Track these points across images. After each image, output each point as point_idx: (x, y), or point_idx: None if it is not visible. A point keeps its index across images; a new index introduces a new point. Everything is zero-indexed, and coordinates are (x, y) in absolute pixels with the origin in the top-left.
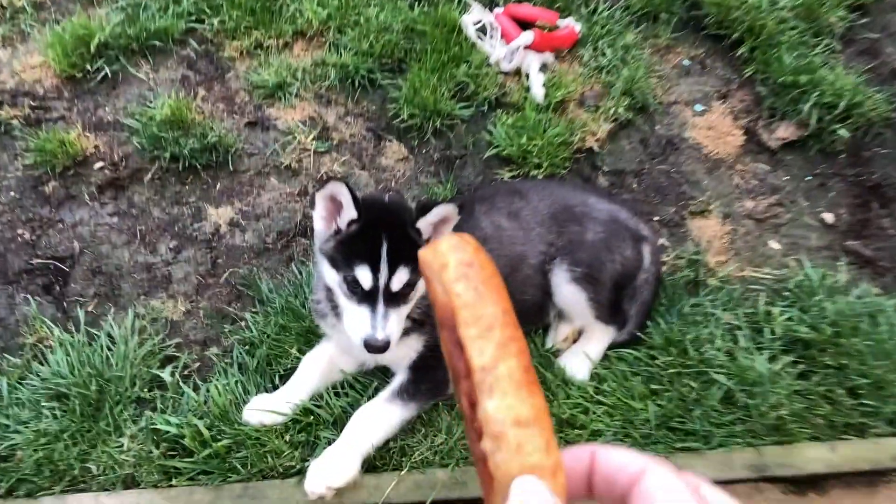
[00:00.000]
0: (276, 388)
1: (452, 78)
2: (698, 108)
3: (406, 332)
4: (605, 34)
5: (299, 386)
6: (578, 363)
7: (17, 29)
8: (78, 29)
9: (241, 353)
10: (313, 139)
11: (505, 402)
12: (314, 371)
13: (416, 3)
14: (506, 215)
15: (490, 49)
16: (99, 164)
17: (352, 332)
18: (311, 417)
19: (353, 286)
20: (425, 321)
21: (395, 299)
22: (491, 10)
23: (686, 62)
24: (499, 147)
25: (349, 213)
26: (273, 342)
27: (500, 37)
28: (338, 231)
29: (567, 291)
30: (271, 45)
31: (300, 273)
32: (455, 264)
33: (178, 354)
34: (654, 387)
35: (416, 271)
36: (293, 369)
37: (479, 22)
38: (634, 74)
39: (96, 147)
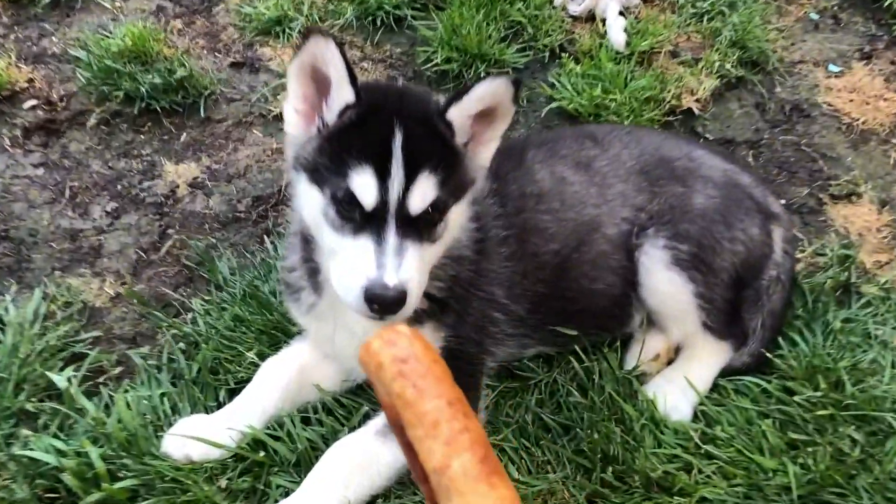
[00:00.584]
0: (220, 406)
1: (504, 17)
2: (833, 68)
3: (417, 318)
4: None
5: (251, 405)
6: (676, 395)
7: None
8: None
9: (177, 355)
10: None
11: (462, 500)
12: (275, 385)
13: None
14: (572, 166)
15: None
16: (30, 103)
17: (344, 281)
18: (263, 454)
19: (346, 207)
20: (449, 303)
21: (414, 228)
22: None
23: (813, 16)
24: (564, 100)
25: (342, 93)
26: (223, 341)
27: None
28: (323, 128)
29: (663, 281)
30: None
31: (275, 249)
32: (389, 362)
33: (89, 352)
34: (794, 436)
35: (448, 187)
36: (247, 381)
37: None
38: (747, 21)
39: (31, 81)
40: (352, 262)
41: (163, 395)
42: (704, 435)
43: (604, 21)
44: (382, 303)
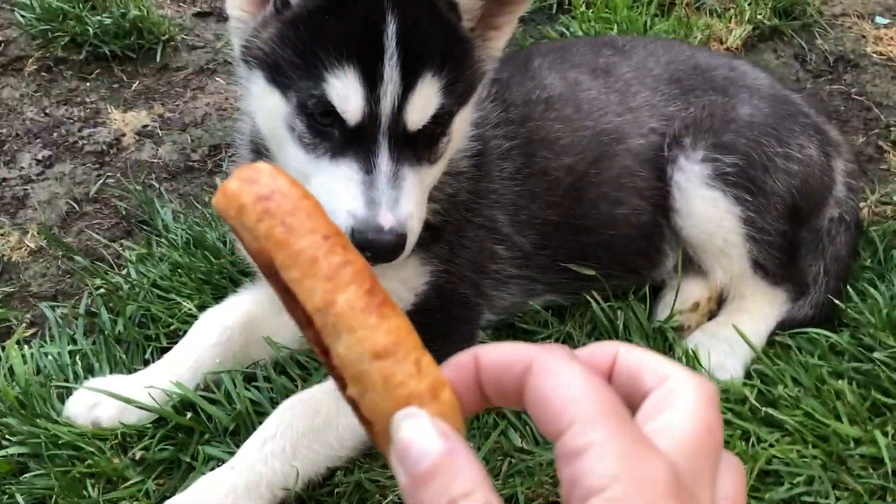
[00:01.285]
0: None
1: None
2: (881, 20)
3: None
4: None
5: (181, 361)
6: (724, 350)
7: None
8: None
9: (98, 308)
10: None
11: (354, 337)
12: (213, 336)
13: None
14: (588, 72)
15: None
16: None
17: (326, 208)
18: (191, 417)
19: (322, 120)
20: (442, 230)
21: (412, 147)
22: None
23: None
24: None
25: None
26: (157, 291)
27: None
28: (283, 8)
29: (702, 201)
30: None
31: None
32: (252, 202)
33: None
34: (881, 398)
35: (454, 90)
36: (181, 339)
37: None
38: None
39: None
40: (332, 195)
41: (75, 353)
42: (762, 396)
43: None
44: (378, 250)
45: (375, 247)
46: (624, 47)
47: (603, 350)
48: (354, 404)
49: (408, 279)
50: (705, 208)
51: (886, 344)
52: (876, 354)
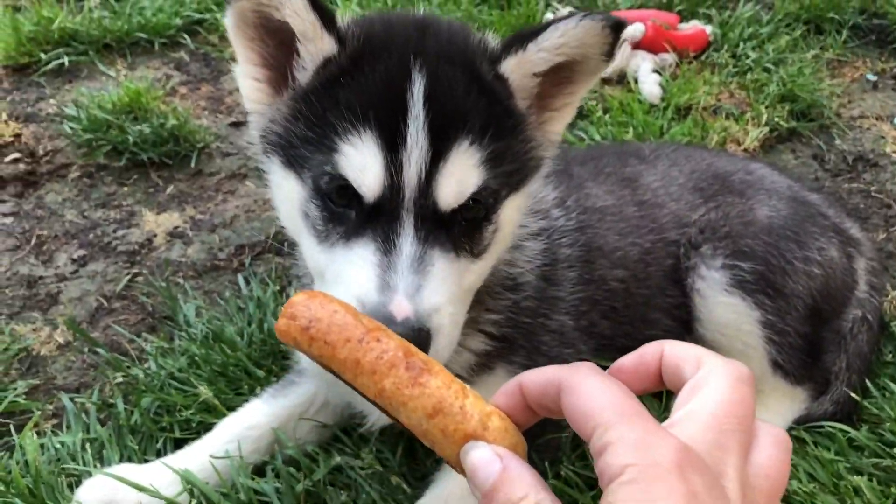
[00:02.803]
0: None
1: None
2: None
3: (485, 362)
4: (748, 38)
5: (196, 454)
6: None
7: None
8: (41, 17)
9: (115, 399)
10: None
11: (408, 409)
12: (233, 434)
13: (481, 2)
14: (616, 183)
15: None
16: (13, 156)
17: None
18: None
19: (337, 201)
20: (515, 339)
21: (445, 231)
22: None
23: (871, 76)
24: (594, 143)
25: (315, 44)
26: (174, 383)
27: None
28: (294, 93)
29: (722, 308)
30: None
31: (248, 284)
32: (299, 335)
33: (18, 400)
34: None
35: (501, 169)
36: (196, 431)
37: None
38: (796, 75)
39: (17, 136)
40: (341, 284)
41: (86, 441)
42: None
43: (636, 80)
44: None
45: None
46: (649, 156)
47: (651, 349)
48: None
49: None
50: (725, 314)
51: None
52: None
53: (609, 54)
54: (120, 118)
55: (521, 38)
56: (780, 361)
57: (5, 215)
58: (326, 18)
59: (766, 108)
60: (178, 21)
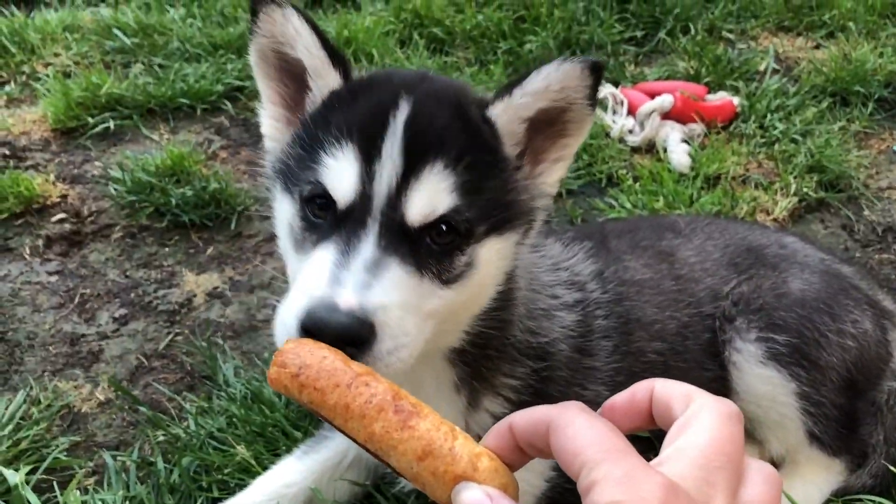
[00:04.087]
0: None
1: None
2: None
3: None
4: (775, 109)
5: (242, 502)
6: None
7: (30, 90)
8: (89, 83)
9: (155, 457)
10: None
11: (397, 452)
12: (269, 492)
13: (513, 73)
14: (654, 256)
15: (612, 123)
16: (59, 216)
17: (281, 315)
18: None
19: (316, 209)
20: (543, 396)
21: (412, 247)
22: (616, 86)
23: None
24: (624, 210)
25: (323, 79)
26: (213, 442)
27: (625, 112)
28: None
29: (758, 379)
30: None
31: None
32: (289, 382)
33: (60, 457)
34: None
35: (479, 201)
36: (238, 488)
37: (598, 94)
38: (823, 146)
39: (63, 197)
40: (300, 284)
41: (128, 499)
42: None
43: (665, 150)
44: (331, 333)
45: (327, 329)
46: (684, 229)
47: (642, 387)
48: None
49: (536, 468)
50: (761, 386)
51: None
52: None
53: (592, 98)
54: (163, 181)
55: (507, 86)
56: (817, 432)
57: (50, 274)
58: (335, 56)
59: (795, 178)
60: (219, 87)
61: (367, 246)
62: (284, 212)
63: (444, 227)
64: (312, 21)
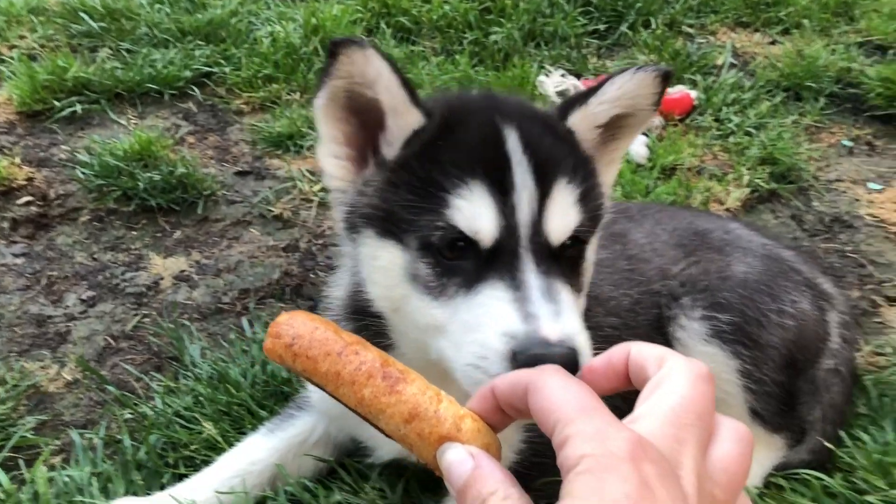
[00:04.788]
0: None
1: None
2: (874, 186)
3: None
4: (731, 103)
5: (200, 486)
6: None
7: None
8: (55, 66)
9: (122, 435)
10: (321, 189)
11: (386, 415)
12: (236, 468)
13: (478, 63)
14: (608, 238)
15: None
16: (25, 199)
17: (473, 359)
18: None
19: (449, 255)
20: None
21: (557, 267)
22: (578, 78)
23: (846, 143)
24: None
25: (404, 118)
26: (179, 420)
27: None
28: (386, 161)
29: (702, 357)
30: (292, 100)
31: (251, 327)
32: (283, 352)
33: (27, 435)
34: None
35: (589, 208)
36: (204, 464)
37: (561, 85)
38: (776, 139)
39: (29, 180)
40: (478, 327)
41: (93, 475)
42: None
43: None
44: (552, 362)
45: (545, 362)
46: (635, 214)
47: (619, 350)
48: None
49: (508, 437)
50: (706, 363)
51: (878, 487)
52: (868, 497)
53: (657, 104)
54: (130, 165)
55: (583, 95)
56: (758, 409)
57: (17, 256)
58: (413, 94)
59: (748, 170)
60: (187, 73)
61: (533, 276)
62: (390, 259)
63: (571, 240)
64: (392, 60)
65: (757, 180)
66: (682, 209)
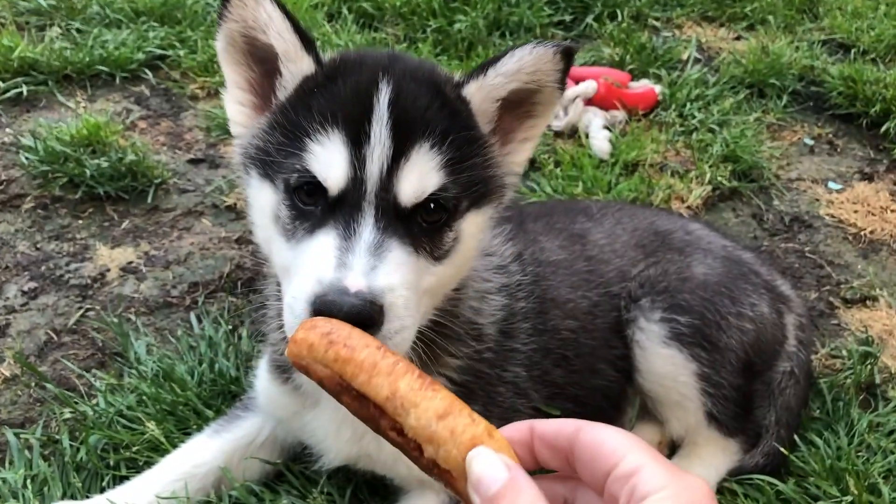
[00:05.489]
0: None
1: None
2: (833, 185)
3: None
4: (695, 99)
5: (141, 490)
6: None
7: None
8: (1, 46)
9: (61, 435)
10: None
11: (419, 409)
12: (178, 472)
13: (441, 52)
14: (567, 238)
15: None
16: None
17: (289, 301)
18: None
19: (305, 197)
20: (473, 387)
21: (405, 226)
22: None
23: (808, 141)
24: (545, 195)
25: (296, 64)
26: (121, 420)
27: None
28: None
29: (660, 359)
30: None
31: (200, 323)
32: (318, 340)
33: None
34: None
35: (462, 177)
36: (147, 466)
37: None
38: (738, 136)
39: None
40: (304, 270)
41: (27, 478)
42: None
43: (587, 135)
44: (343, 316)
45: (340, 312)
46: (595, 213)
47: (567, 426)
48: (432, 463)
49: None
50: (663, 365)
51: (830, 494)
52: (821, 503)
53: (562, 82)
54: (77, 151)
55: (482, 66)
56: (715, 413)
57: None
58: (306, 40)
59: (710, 167)
60: (140, 55)
61: (367, 229)
62: (265, 200)
63: (432, 206)
64: (284, 6)
65: (719, 178)
66: (643, 208)
